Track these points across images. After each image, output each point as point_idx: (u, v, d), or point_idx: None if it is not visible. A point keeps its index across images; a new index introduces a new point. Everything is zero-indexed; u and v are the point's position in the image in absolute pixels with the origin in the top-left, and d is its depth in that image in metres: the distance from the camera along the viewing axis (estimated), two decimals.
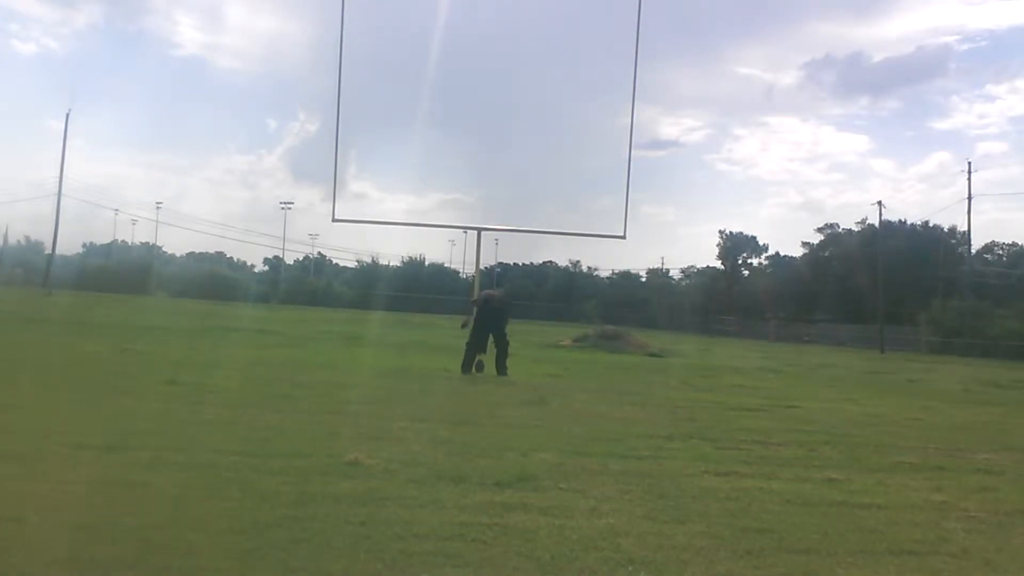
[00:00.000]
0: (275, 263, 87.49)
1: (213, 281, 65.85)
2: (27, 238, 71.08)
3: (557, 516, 4.61)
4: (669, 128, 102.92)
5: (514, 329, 14.35)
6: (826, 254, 60.90)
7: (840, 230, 60.89)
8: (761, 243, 70.95)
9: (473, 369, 13.39)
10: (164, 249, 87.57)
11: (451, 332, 22.82)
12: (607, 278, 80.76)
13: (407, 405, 8.99)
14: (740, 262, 71.28)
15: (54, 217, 57.46)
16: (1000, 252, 59.64)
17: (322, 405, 8.73)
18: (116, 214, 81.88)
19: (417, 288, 68.45)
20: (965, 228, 52.85)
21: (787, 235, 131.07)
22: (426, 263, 79.45)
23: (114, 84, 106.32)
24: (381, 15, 22.77)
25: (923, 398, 14.35)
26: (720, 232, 70.72)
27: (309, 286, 73.09)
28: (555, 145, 23.74)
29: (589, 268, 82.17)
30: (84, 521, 4.04)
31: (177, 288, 62.34)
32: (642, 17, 16.56)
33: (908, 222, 56.67)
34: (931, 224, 56.86)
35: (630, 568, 3.82)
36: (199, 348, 15.88)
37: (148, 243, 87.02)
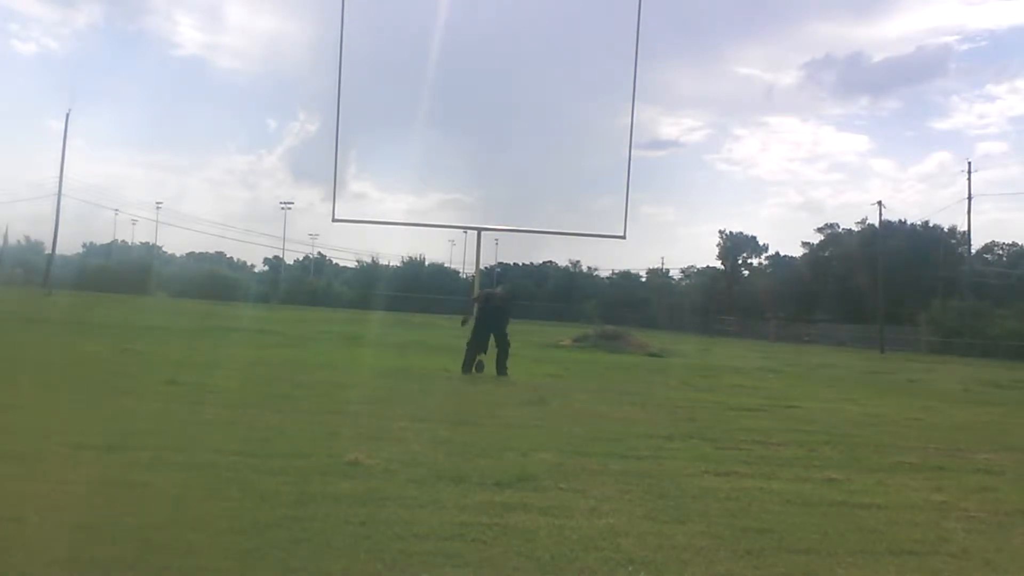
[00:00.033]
0: (275, 263, 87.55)
1: (213, 281, 65.86)
2: (27, 238, 71.26)
3: (557, 516, 4.60)
4: (669, 128, 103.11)
5: (514, 329, 14.33)
6: (826, 254, 60.92)
7: (840, 230, 61.02)
8: (761, 243, 71.11)
9: (473, 369, 13.38)
10: (164, 249, 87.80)
11: (451, 332, 22.83)
12: (607, 278, 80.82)
13: (407, 405, 8.99)
14: (740, 262, 71.32)
15: (54, 217, 57.59)
16: (1000, 252, 59.71)
17: (322, 405, 8.73)
18: (116, 214, 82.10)
19: (417, 288, 68.47)
20: (965, 228, 52.97)
21: (787, 235, 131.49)
22: (426, 263, 79.51)
23: (114, 84, 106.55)
24: (381, 15, 22.77)
25: (923, 398, 14.34)
26: (720, 232, 70.87)
27: (309, 286, 73.09)
28: (555, 145, 23.74)
29: (589, 268, 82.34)
30: (84, 521, 4.04)
31: (177, 288, 62.35)
32: (642, 17, 16.60)
33: (908, 222, 56.80)
34: (931, 224, 57.00)
35: (630, 568, 3.81)
36: (199, 348, 15.87)
37: (148, 243, 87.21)
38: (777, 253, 70.47)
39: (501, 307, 14.03)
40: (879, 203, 48.22)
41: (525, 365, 15.24)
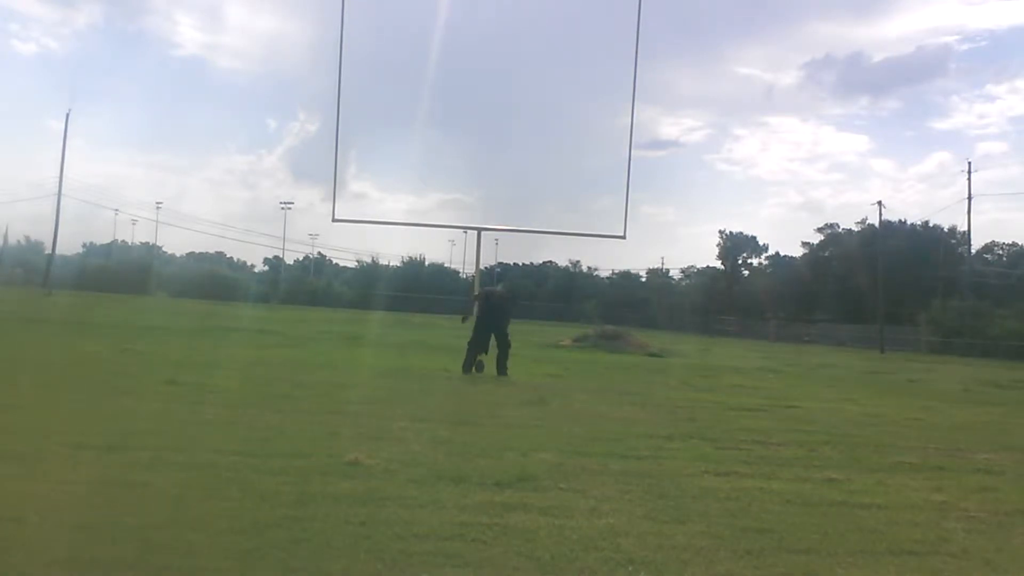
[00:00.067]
0: (275, 263, 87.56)
1: (213, 281, 65.86)
2: (27, 238, 71.27)
3: (557, 516, 4.60)
4: (669, 128, 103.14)
5: (514, 329, 14.32)
6: (826, 254, 60.93)
7: (840, 230, 61.03)
8: (761, 243, 71.14)
9: (473, 369, 13.37)
10: (164, 249, 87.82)
11: (451, 332, 22.83)
12: (607, 278, 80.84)
13: (407, 405, 8.99)
14: (740, 262, 71.33)
15: (54, 217, 57.60)
16: (1000, 252, 59.72)
17: (322, 405, 8.73)
18: (116, 214, 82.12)
19: (417, 288, 68.48)
20: (965, 228, 52.99)
21: (787, 235, 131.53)
22: (426, 263, 79.51)
23: (114, 84, 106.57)
24: (381, 15, 22.82)
25: (923, 398, 14.34)
26: (720, 232, 70.90)
27: (309, 286, 73.09)
28: (555, 145, 23.80)
29: (589, 268, 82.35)
30: (84, 521, 4.04)
31: (177, 288, 62.36)
32: (642, 17, 16.66)
33: (908, 222, 56.82)
34: (931, 224, 57.02)
35: (630, 568, 3.81)
36: (199, 348, 15.87)
37: (148, 243, 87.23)
38: (777, 253, 70.62)
39: (502, 305, 14.02)
40: (879, 203, 48.33)
41: (525, 365, 15.24)
